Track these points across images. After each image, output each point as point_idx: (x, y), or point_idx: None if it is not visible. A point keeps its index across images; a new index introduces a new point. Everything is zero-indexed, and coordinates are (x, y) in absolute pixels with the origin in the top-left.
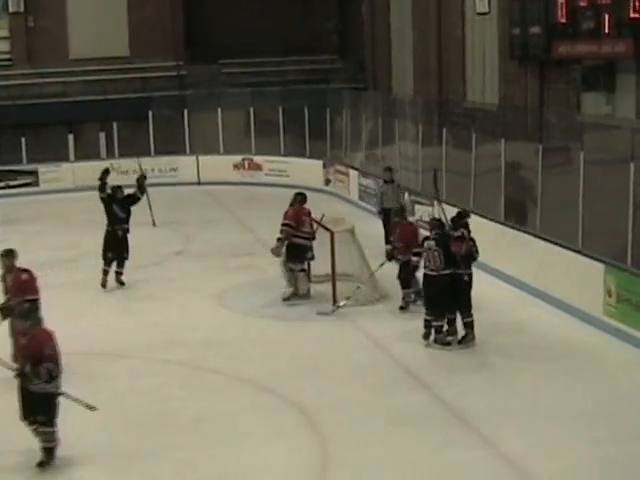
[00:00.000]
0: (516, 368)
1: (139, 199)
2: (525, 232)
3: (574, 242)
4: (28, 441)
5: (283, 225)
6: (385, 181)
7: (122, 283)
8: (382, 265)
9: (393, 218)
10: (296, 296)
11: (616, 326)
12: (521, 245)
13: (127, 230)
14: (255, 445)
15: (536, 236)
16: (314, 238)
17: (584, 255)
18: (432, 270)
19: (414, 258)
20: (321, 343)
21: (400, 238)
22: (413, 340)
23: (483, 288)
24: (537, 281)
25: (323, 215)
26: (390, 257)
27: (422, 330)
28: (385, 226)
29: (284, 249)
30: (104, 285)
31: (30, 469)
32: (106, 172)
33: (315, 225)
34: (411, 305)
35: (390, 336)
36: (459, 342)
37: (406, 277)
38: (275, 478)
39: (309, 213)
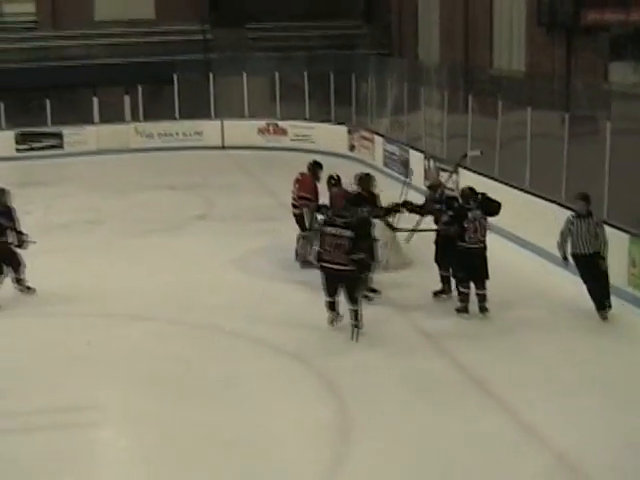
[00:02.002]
0: (537, 337)
1: None
2: (550, 201)
3: (599, 212)
4: (48, 399)
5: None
6: (578, 215)
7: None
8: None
9: (602, 265)
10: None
11: None
12: (546, 214)
13: None
14: (275, 409)
15: (561, 205)
16: None
17: (609, 225)
18: (480, 241)
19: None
20: (341, 308)
21: None
22: (434, 307)
23: (507, 256)
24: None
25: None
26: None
27: (443, 296)
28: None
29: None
30: None
31: (47, 428)
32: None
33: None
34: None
35: (412, 304)
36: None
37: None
38: (295, 442)
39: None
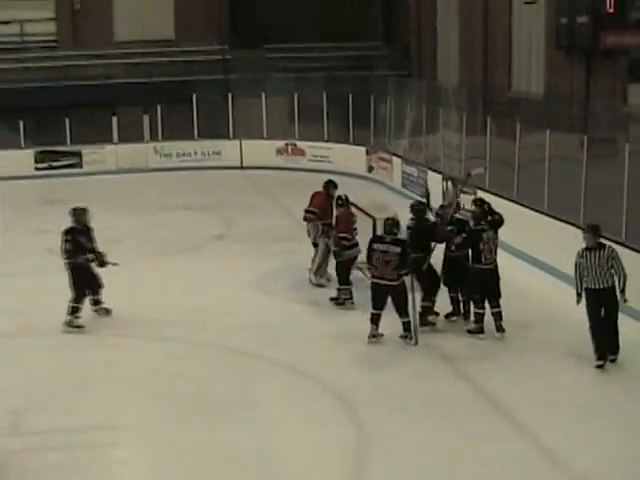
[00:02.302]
0: (555, 359)
1: None
2: (568, 223)
3: (618, 234)
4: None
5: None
6: (587, 248)
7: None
8: None
9: (622, 299)
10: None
11: None
12: (564, 236)
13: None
14: (291, 430)
15: (579, 227)
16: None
17: (626, 247)
18: (494, 260)
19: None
20: (359, 330)
21: None
22: (452, 328)
23: (525, 278)
24: None
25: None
26: None
27: (454, 317)
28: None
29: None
30: None
31: (67, 447)
32: None
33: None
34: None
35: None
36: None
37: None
38: (311, 463)
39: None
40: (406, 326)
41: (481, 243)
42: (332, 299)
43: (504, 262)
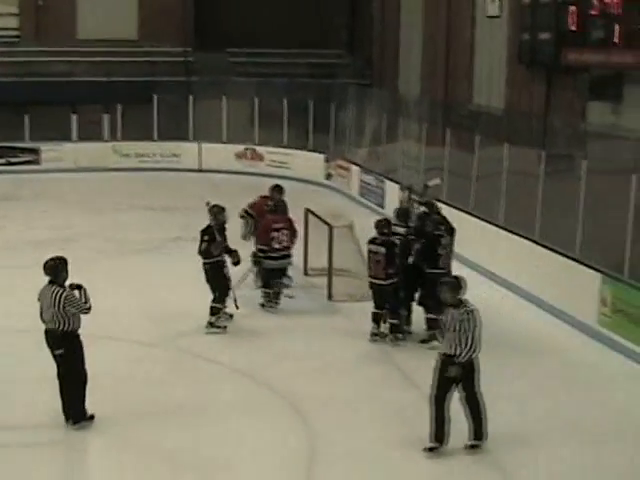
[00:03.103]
0: (507, 373)
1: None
2: (523, 237)
3: (572, 250)
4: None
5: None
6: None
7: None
8: None
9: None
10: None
11: (609, 336)
12: (519, 250)
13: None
14: (243, 435)
15: (534, 242)
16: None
17: (581, 263)
18: (448, 267)
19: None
20: (314, 336)
21: None
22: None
23: (478, 291)
24: (532, 286)
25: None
26: None
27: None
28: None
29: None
30: None
31: (15, 445)
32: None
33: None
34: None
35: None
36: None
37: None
38: (262, 468)
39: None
40: (392, 328)
41: (439, 248)
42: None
43: (457, 272)
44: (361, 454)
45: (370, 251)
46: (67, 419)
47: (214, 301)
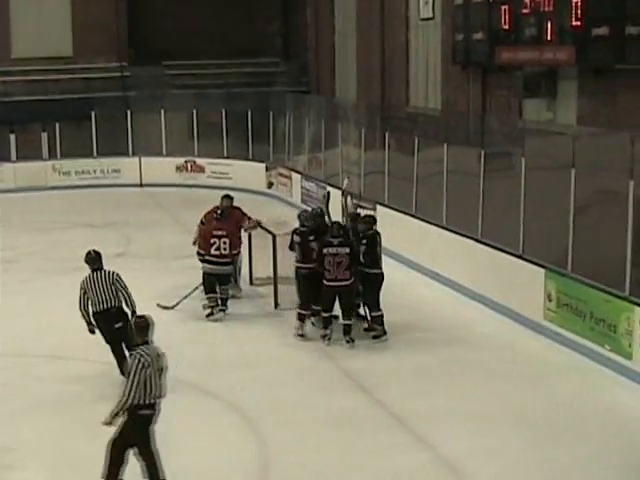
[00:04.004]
0: (455, 371)
1: None
2: (466, 236)
3: (515, 247)
4: None
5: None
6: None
7: None
8: None
9: None
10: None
11: (556, 330)
12: (462, 249)
13: None
14: (195, 447)
15: (477, 240)
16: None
17: (525, 260)
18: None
19: None
20: (260, 345)
21: None
22: (357, 343)
23: (421, 291)
24: (477, 285)
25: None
26: None
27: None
28: None
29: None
30: None
31: None
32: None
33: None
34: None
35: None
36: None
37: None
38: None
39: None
40: (347, 329)
41: (378, 247)
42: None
43: (402, 275)
44: (314, 462)
45: (328, 254)
46: None
47: (298, 307)
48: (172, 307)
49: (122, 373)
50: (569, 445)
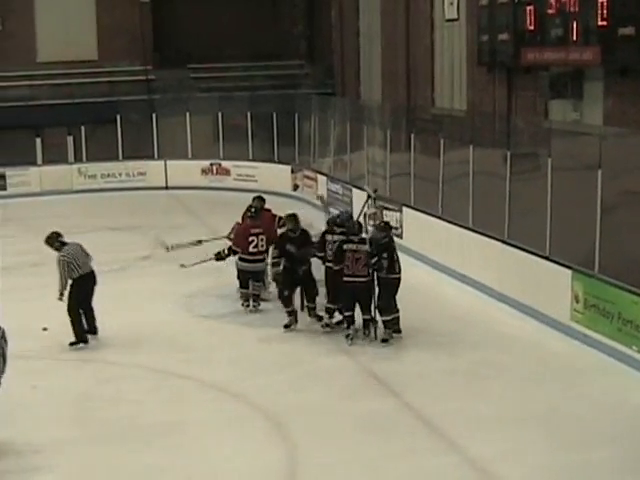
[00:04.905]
0: (482, 373)
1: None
2: (493, 238)
3: (542, 248)
4: None
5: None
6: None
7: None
8: None
9: None
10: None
11: (583, 332)
12: (489, 251)
13: None
14: (220, 451)
15: (504, 242)
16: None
17: (551, 261)
18: None
19: None
20: (287, 349)
21: None
22: (379, 345)
23: (448, 292)
24: (504, 286)
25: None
26: None
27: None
28: None
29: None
30: None
31: None
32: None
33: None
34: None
35: (357, 342)
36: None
37: None
38: None
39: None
40: (366, 323)
41: (395, 253)
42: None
43: (428, 276)
44: (342, 466)
45: (349, 250)
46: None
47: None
48: (190, 265)
49: None
50: (597, 447)
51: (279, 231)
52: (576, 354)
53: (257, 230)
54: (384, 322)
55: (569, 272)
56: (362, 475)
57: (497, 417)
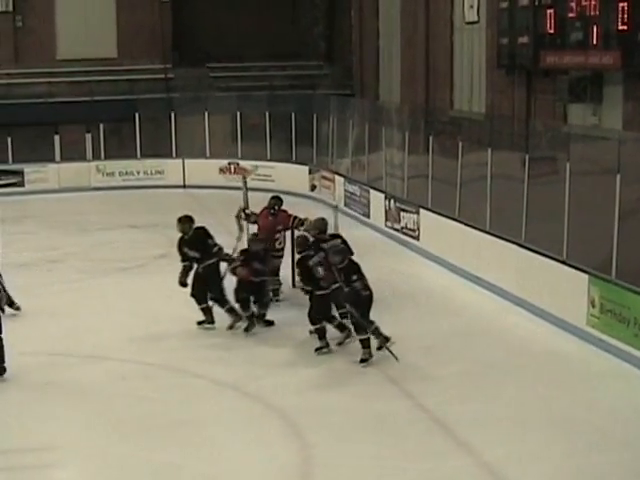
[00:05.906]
0: (497, 377)
1: None
2: (509, 241)
3: (559, 252)
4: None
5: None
6: None
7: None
8: None
9: None
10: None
11: (599, 336)
12: (505, 254)
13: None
14: (235, 449)
15: (520, 245)
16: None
17: (568, 265)
18: None
19: None
20: (302, 349)
21: None
22: (393, 347)
23: (464, 295)
24: (520, 290)
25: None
26: None
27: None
28: None
29: None
30: None
31: (5, 469)
32: None
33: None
34: None
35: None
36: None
37: None
38: None
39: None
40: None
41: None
42: None
43: (444, 279)
44: (356, 465)
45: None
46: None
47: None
48: None
49: None
50: (612, 451)
51: (296, 232)
52: (591, 359)
53: (280, 227)
54: (361, 341)
55: (586, 277)
56: (376, 476)
57: (512, 420)
